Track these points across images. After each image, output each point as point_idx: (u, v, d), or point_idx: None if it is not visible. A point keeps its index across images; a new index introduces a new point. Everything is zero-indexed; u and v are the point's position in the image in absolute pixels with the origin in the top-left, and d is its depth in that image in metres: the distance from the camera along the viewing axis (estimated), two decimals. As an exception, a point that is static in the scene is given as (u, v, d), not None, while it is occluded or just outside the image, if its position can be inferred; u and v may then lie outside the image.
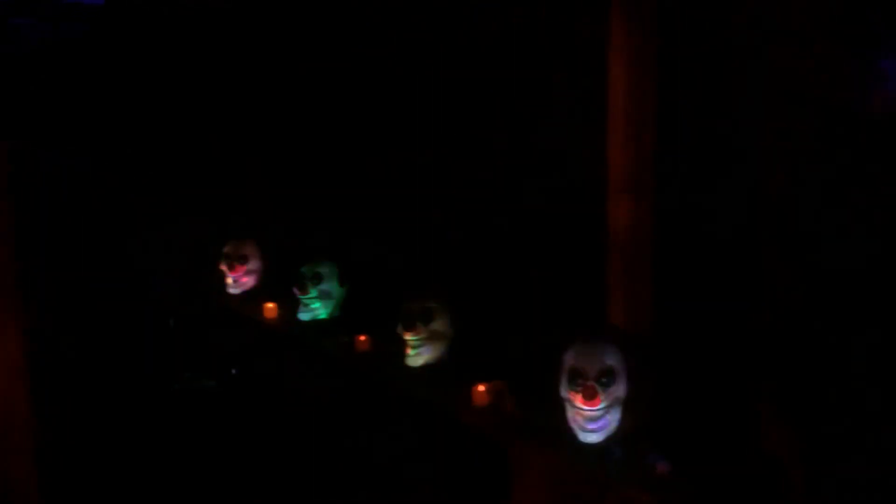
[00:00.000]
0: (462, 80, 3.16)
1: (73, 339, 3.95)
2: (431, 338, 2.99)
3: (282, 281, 3.56)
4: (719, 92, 2.56)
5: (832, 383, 2.25)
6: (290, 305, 3.51)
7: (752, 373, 2.42)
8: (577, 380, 2.36)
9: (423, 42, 3.30)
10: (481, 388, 2.78)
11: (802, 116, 2.36)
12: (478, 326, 2.97)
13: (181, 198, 4.17)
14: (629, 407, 2.39)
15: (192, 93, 4.16)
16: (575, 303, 2.71)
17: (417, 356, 2.99)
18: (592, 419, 2.36)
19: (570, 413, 2.41)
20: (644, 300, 2.53)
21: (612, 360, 2.36)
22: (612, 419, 2.38)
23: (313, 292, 3.41)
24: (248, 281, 3.78)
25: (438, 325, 2.99)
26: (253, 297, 3.73)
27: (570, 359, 2.40)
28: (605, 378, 2.35)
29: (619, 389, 2.37)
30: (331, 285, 3.44)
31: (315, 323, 3.45)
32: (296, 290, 3.42)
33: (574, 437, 2.40)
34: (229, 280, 3.77)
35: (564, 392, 2.40)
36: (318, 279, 3.42)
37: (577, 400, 2.36)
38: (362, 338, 3.26)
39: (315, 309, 3.44)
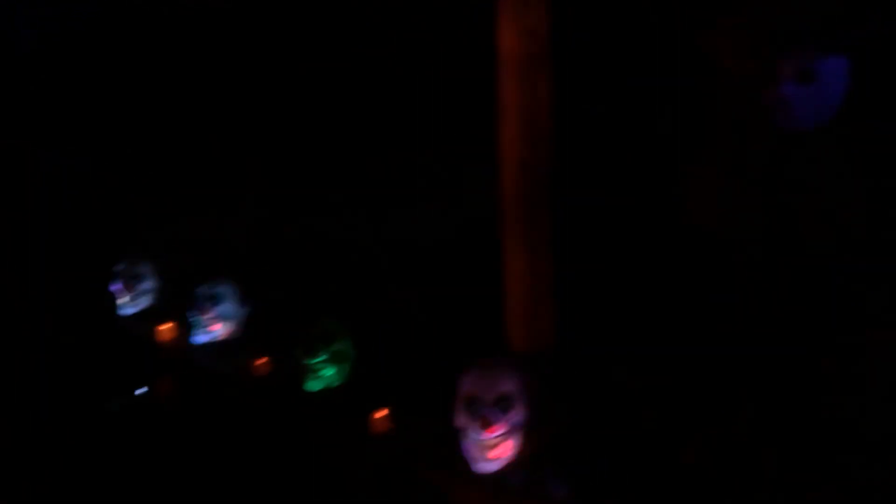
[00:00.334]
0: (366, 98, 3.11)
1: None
2: (332, 360, 2.88)
3: (179, 301, 3.41)
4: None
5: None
6: (186, 327, 3.36)
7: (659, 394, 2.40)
8: (473, 407, 2.28)
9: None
10: (381, 414, 2.69)
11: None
12: (377, 350, 2.88)
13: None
14: (528, 433, 2.33)
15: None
16: (473, 326, 2.64)
17: (318, 380, 2.88)
18: (489, 447, 2.29)
19: (466, 441, 2.33)
20: (545, 323, 2.47)
21: (508, 385, 2.29)
22: (511, 447, 2.31)
23: (210, 313, 3.26)
24: (143, 301, 3.61)
25: (340, 346, 2.89)
26: (148, 318, 3.57)
27: (465, 385, 2.32)
28: (502, 405, 2.27)
29: (517, 416, 2.30)
30: (228, 306, 3.30)
31: (212, 345, 3.31)
32: (191, 312, 3.27)
33: (471, 467, 2.32)
34: (123, 300, 3.60)
35: (460, 420, 2.32)
36: (215, 300, 3.27)
37: (473, 428, 2.28)
38: (262, 360, 3.14)
39: (212, 331, 3.29)
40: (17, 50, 4.04)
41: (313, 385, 2.87)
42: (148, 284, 3.60)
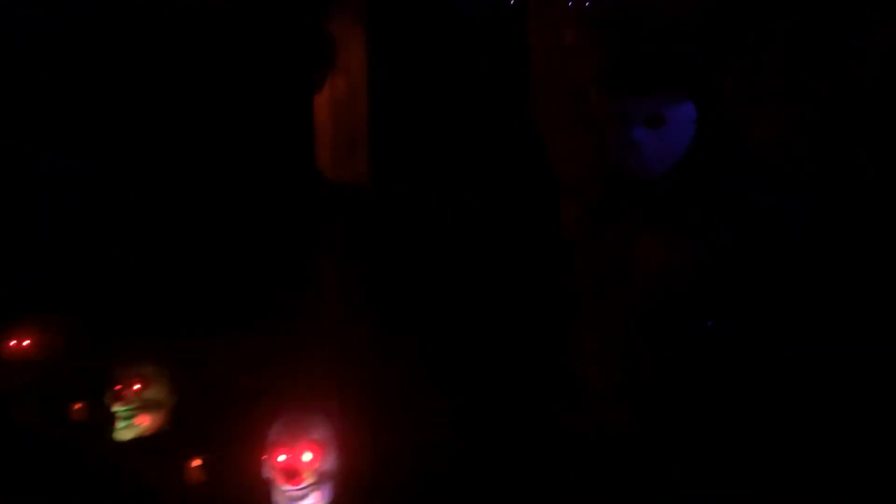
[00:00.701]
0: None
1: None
2: (145, 407, 2.71)
3: None
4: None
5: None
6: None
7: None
8: (279, 457, 2.17)
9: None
10: (196, 462, 2.55)
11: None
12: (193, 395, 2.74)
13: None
14: (340, 482, 2.24)
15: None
16: (285, 371, 2.55)
17: (128, 429, 2.70)
18: (297, 499, 2.19)
19: (274, 493, 2.22)
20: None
21: (317, 433, 2.20)
22: (320, 497, 2.22)
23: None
24: None
25: (153, 393, 2.72)
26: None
27: (273, 434, 2.22)
28: (309, 453, 2.18)
29: (327, 463, 2.21)
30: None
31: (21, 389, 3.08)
32: None
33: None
34: None
35: (267, 470, 2.21)
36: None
37: (280, 479, 2.17)
38: (77, 406, 2.94)
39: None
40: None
41: (124, 434, 2.70)
42: None
